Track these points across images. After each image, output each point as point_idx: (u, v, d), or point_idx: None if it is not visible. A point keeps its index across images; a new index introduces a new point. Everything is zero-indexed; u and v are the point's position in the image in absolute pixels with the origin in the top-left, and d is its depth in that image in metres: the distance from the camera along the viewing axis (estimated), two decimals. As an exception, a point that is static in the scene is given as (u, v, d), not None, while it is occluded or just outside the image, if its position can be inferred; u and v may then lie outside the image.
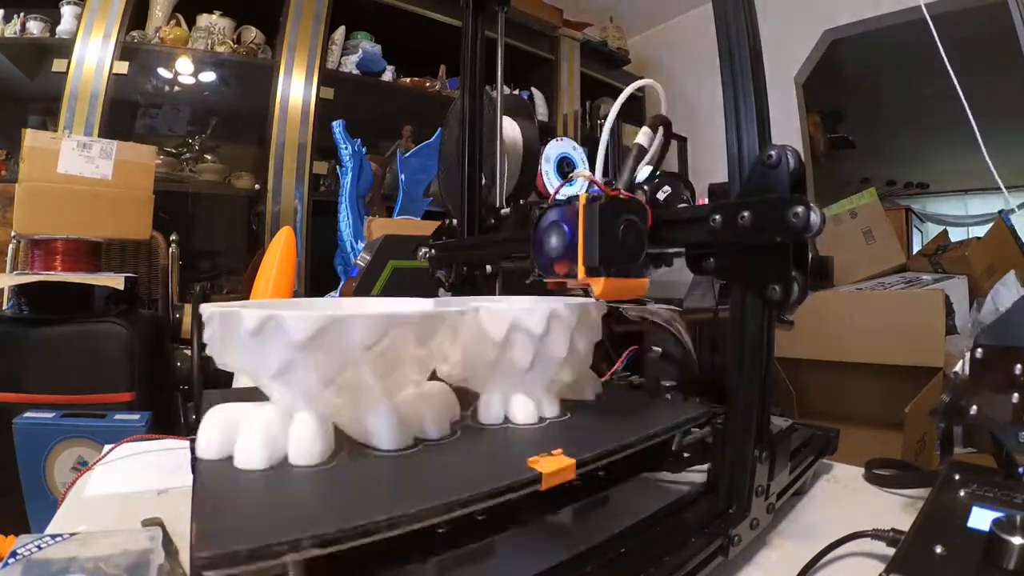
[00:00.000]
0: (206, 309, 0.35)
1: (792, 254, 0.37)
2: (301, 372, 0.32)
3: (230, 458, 0.32)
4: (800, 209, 0.35)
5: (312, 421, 0.32)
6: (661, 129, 0.61)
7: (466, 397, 0.43)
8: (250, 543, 0.22)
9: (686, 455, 0.43)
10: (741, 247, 0.40)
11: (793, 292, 0.37)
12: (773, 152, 0.37)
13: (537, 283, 0.50)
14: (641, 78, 0.66)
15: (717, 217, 0.39)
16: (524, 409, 0.41)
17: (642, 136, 0.56)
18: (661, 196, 0.51)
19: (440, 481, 0.31)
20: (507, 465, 0.33)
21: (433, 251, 0.69)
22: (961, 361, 0.49)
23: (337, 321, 0.32)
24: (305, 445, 0.32)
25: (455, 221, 0.69)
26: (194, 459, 0.33)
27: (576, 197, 0.41)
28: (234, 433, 0.33)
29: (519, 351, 0.41)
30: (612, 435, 0.38)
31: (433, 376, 0.41)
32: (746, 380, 0.41)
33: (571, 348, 0.42)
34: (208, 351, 0.35)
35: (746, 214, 0.38)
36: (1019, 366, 0.44)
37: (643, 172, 0.67)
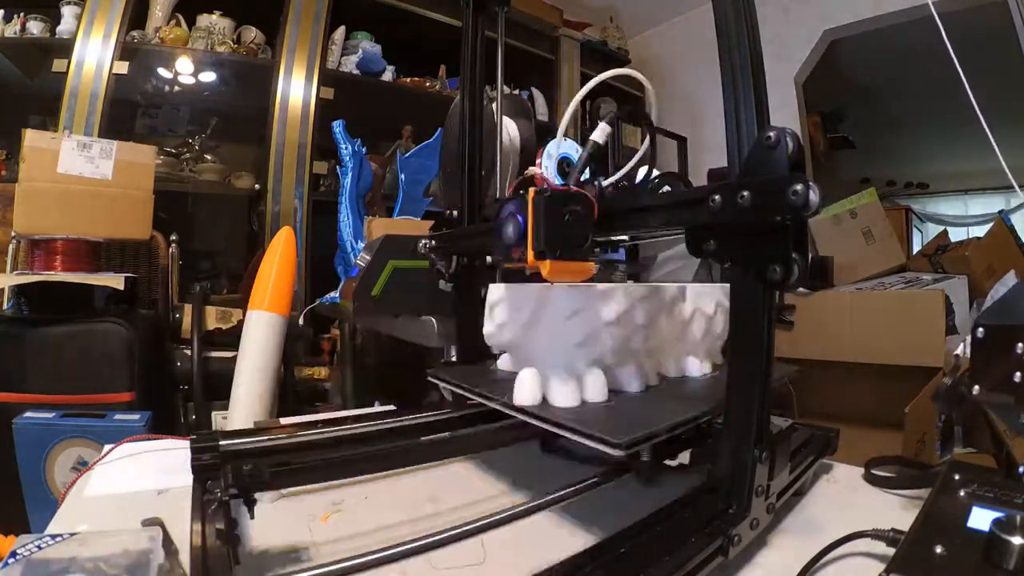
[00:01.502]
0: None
1: (792, 235, 0.37)
2: (605, 340, 0.51)
3: (542, 404, 0.49)
4: (799, 187, 0.35)
5: (601, 375, 0.51)
6: (648, 132, 0.63)
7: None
8: (635, 434, 0.40)
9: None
10: (741, 228, 0.40)
11: (793, 272, 0.37)
12: (772, 133, 0.37)
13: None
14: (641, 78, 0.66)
15: (716, 198, 0.39)
16: (697, 366, 0.62)
17: (599, 132, 0.59)
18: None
19: (680, 406, 0.49)
20: (712, 397, 0.51)
21: (433, 242, 0.69)
22: (962, 344, 0.49)
23: (631, 307, 0.52)
24: (599, 389, 0.51)
25: (455, 213, 0.70)
26: (517, 408, 0.48)
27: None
28: (541, 388, 0.49)
29: (696, 327, 0.61)
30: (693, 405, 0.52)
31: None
32: (746, 370, 0.41)
33: (723, 328, 0.63)
34: (494, 336, 0.56)
35: (746, 194, 0.38)
36: (1020, 345, 0.44)
37: (644, 173, 0.67)
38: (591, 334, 0.50)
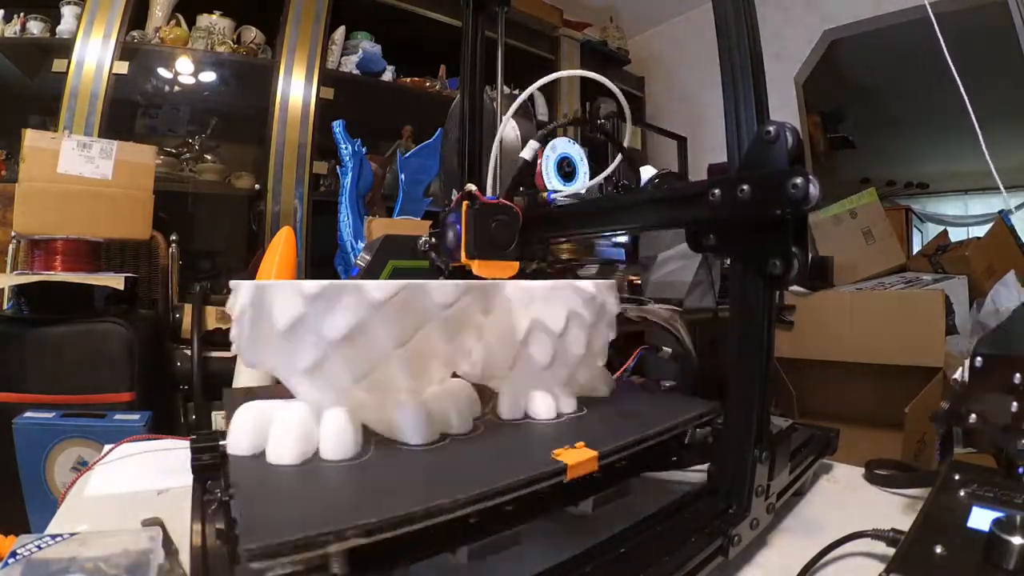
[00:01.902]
0: (233, 311, 0.38)
1: (792, 228, 0.37)
2: (335, 368, 0.34)
3: (260, 455, 0.33)
4: (799, 180, 0.35)
5: (343, 416, 0.34)
6: (629, 142, 0.65)
7: (484, 394, 0.45)
8: (295, 534, 0.23)
9: (697, 448, 0.46)
10: (741, 222, 0.40)
11: (793, 267, 0.37)
12: (771, 128, 0.37)
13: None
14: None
15: (716, 191, 0.39)
16: (544, 405, 0.43)
17: (528, 150, 0.62)
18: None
19: (469, 473, 0.32)
20: (532, 457, 0.34)
21: (433, 240, 0.69)
22: (961, 368, 0.49)
23: (365, 319, 0.33)
24: (337, 440, 0.33)
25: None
26: (221, 456, 0.35)
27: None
28: (264, 430, 0.34)
29: (538, 348, 0.43)
30: (628, 429, 0.40)
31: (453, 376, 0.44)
32: (746, 369, 0.41)
33: (588, 346, 0.45)
34: (235, 349, 0.37)
35: (745, 187, 0.38)
36: (1018, 375, 0.44)
37: (646, 172, 0.68)
38: (317, 359, 0.34)
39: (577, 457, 0.33)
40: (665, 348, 0.71)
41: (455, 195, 0.59)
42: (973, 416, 0.47)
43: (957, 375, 0.50)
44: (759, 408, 0.41)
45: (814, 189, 0.35)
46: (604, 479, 0.39)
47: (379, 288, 0.33)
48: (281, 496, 0.29)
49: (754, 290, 0.40)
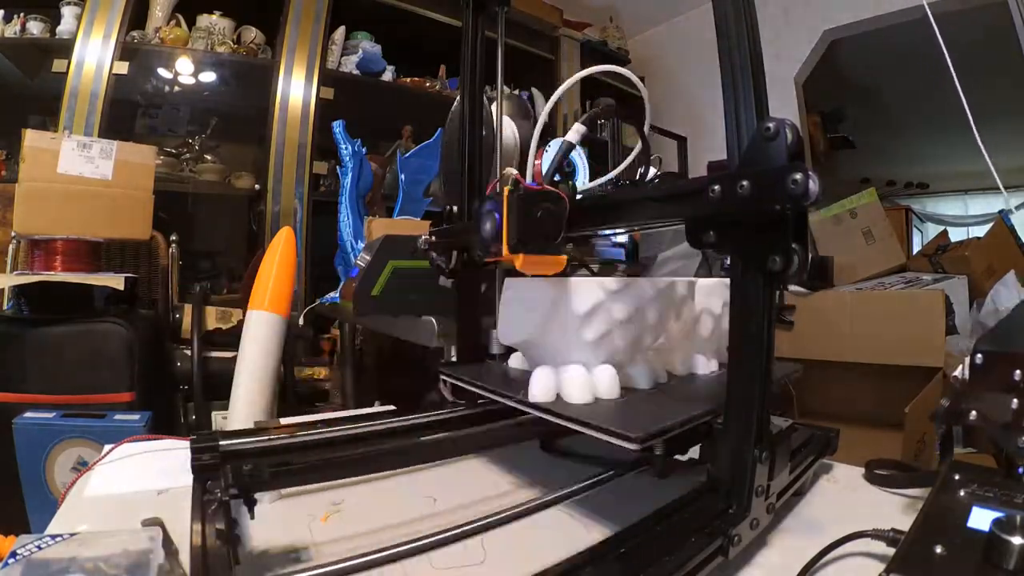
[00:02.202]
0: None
1: (792, 225, 0.37)
2: (617, 339, 0.52)
3: (556, 400, 0.49)
4: (799, 176, 0.35)
5: (613, 371, 0.51)
6: (649, 133, 0.63)
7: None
8: (655, 427, 0.41)
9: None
10: (740, 219, 0.40)
11: (793, 263, 0.37)
12: (771, 124, 0.37)
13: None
14: (642, 77, 0.66)
15: (716, 188, 0.39)
16: (704, 364, 0.63)
17: (573, 133, 0.61)
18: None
19: (690, 402, 0.50)
20: (715, 396, 0.48)
21: (433, 238, 0.69)
22: (961, 366, 0.49)
23: (643, 306, 0.53)
24: (612, 385, 0.51)
25: (455, 209, 0.70)
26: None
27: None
28: (555, 385, 0.50)
29: (704, 326, 0.62)
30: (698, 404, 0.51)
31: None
32: (746, 369, 0.41)
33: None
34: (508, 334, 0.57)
35: (745, 183, 0.38)
36: (1018, 372, 0.44)
37: (641, 172, 0.67)
38: (604, 333, 0.51)
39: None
40: None
41: (491, 180, 0.56)
42: (973, 413, 0.46)
43: (957, 372, 0.50)
44: (759, 408, 0.41)
45: (814, 185, 0.35)
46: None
47: (651, 284, 0.54)
48: (608, 417, 0.45)
49: (754, 287, 0.40)
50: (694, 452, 0.51)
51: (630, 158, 0.69)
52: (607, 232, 0.68)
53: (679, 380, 0.60)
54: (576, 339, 0.51)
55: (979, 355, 0.47)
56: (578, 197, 0.55)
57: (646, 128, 0.67)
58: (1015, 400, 0.44)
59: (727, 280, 0.51)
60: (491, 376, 0.60)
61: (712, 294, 0.62)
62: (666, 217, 0.47)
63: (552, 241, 0.50)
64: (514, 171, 0.52)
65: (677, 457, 0.52)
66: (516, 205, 0.47)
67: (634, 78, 0.66)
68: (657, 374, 0.57)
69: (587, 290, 0.50)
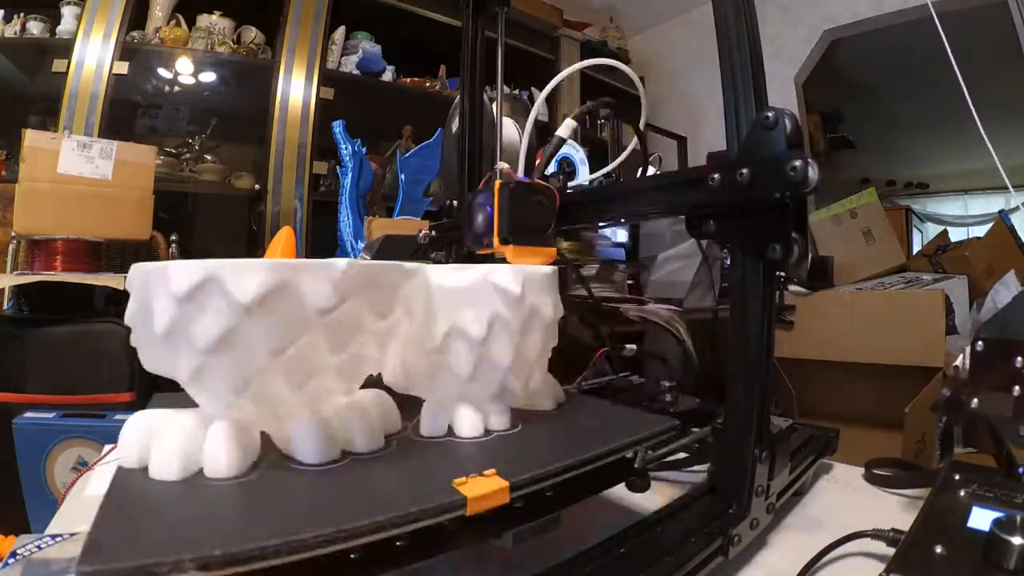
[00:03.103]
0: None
1: (792, 213, 0.37)
2: (213, 376, 0.31)
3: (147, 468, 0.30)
4: (798, 163, 0.35)
5: (226, 431, 0.30)
6: (644, 127, 0.63)
7: (418, 404, 0.40)
8: (133, 561, 0.21)
9: (650, 472, 0.39)
10: (740, 207, 0.40)
11: (793, 252, 0.37)
12: (770, 114, 0.37)
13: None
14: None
15: (716, 176, 0.39)
16: (468, 422, 0.38)
17: (564, 128, 0.60)
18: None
19: (359, 502, 0.28)
20: (435, 486, 0.29)
21: (433, 232, 0.70)
22: (961, 355, 0.49)
23: (236, 323, 0.29)
24: (218, 457, 0.29)
25: (455, 203, 0.70)
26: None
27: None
28: (151, 441, 0.31)
29: (457, 357, 0.38)
30: (563, 452, 0.35)
31: (378, 383, 0.39)
32: (746, 368, 0.41)
33: (518, 354, 0.39)
34: (139, 355, 0.34)
35: (744, 171, 0.38)
36: (1020, 359, 0.44)
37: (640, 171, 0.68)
38: (196, 367, 0.31)
39: (483, 488, 0.29)
40: (630, 347, 0.68)
41: (486, 174, 0.56)
42: (975, 401, 0.46)
43: (958, 362, 0.50)
44: (759, 408, 0.41)
45: (813, 172, 0.35)
46: (527, 511, 0.32)
47: (246, 290, 0.29)
48: (143, 515, 0.26)
49: (754, 276, 0.40)
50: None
51: (625, 153, 0.69)
52: (605, 224, 0.67)
53: (401, 449, 0.36)
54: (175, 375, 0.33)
55: (980, 342, 0.47)
56: (568, 191, 0.55)
57: (641, 124, 0.68)
58: (1017, 387, 0.44)
59: (493, 273, 0.39)
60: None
61: (464, 306, 0.38)
62: (667, 207, 0.47)
63: (542, 233, 0.50)
64: (506, 165, 0.52)
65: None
66: (507, 198, 0.48)
67: (628, 71, 0.67)
68: (336, 439, 0.33)
69: (160, 301, 0.31)
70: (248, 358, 0.30)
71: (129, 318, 0.35)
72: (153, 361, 0.33)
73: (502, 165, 0.51)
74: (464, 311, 0.38)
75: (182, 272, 0.29)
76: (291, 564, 0.23)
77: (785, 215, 0.37)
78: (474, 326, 0.38)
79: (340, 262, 0.32)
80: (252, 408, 0.32)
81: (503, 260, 0.49)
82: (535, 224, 0.50)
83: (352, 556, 0.25)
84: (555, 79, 0.65)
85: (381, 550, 0.26)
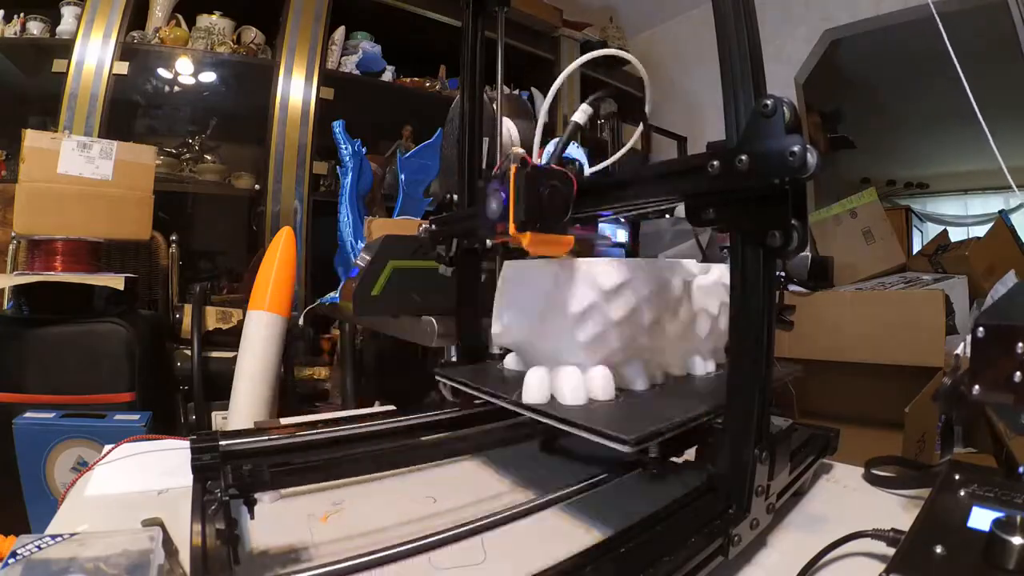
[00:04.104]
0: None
1: (792, 200, 0.37)
2: (612, 340, 0.51)
3: (550, 402, 0.49)
4: (797, 148, 0.35)
5: (607, 372, 0.50)
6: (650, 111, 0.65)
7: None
8: (645, 431, 0.40)
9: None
10: (740, 194, 0.40)
11: (793, 239, 0.37)
12: (768, 101, 0.37)
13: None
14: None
15: (715, 163, 0.39)
16: (701, 365, 0.61)
17: (579, 114, 0.59)
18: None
19: (686, 403, 0.48)
20: (718, 394, 0.48)
21: (433, 226, 0.69)
22: (962, 344, 0.49)
23: (638, 307, 0.51)
24: (606, 387, 0.50)
25: (455, 197, 0.70)
26: (524, 406, 0.48)
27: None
28: (549, 386, 0.50)
29: (701, 326, 0.61)
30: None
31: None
32: (746, 368, 0.41)
33: (726, 327, 0.58)
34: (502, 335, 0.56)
35: (744, 158, 0.38)
36: (1021, 345, 0.43)
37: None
38: (599, 334, 0.50)
39: None
40: None
41: (499, 161, 0.55)
42: (976, 389, 0.46)
43: (959, 350, 0.49)
44: (759, 408, 0.41)
45: (812, 158, 0.35)
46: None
47: (647, 283, 0.51)
48: (600, 418, 0.44)
49: (754, 264, 0.40)
50: (691, 453, 0.51)
51: (627, 146, 0.69)
52: (608, 213, 0.66)
53: (676, 381, 0.59)
54: (570, 340, 0.50)
55: (980, 329, 0.46)
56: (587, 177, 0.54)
57: (647, 110, 0.68)
58: (1018, 374, 0.43)
59: (725, 279, 0.58)
60: (486, 377, 0.60)
61: (710, 294, 0.61)
62: (666, 195, 0.47)
63: (559, 220, 0.49)
64: (521, 150, 0.51)
65: (674, 459, 0.52)
66: (524, 182, 0.46)
67: (634, 60, 0.66)
68: (653, 375, 0.56)
69: (581, 291, 0.50)
70: (637, 327, 0.52)
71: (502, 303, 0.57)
72: (554, 337, 0.53)
73: (516, 150, 0.50)
74: (708, 299, 0.61)
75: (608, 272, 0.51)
76: (684, 432, 0.43)
77: (784, 202, 0.37)
78: (713, 308, 0.61)
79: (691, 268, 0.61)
80: (619, 359, 0.52)
81: (516, 251, 0.51)
82: (552, 211, 0.48)
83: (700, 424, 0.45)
84: (563, 75, 0.64)
85: (705, 426, 0.45)
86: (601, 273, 0.50)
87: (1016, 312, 0.47)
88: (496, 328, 0.58)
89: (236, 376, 0.95)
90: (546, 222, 0.48)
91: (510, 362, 0.62)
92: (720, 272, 0.62)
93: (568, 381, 0.49)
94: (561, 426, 0.45)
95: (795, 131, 0.36)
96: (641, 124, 0.68)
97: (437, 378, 0.63)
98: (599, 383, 0.50)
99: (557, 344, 0.52)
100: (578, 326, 0.50)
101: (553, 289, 0.51)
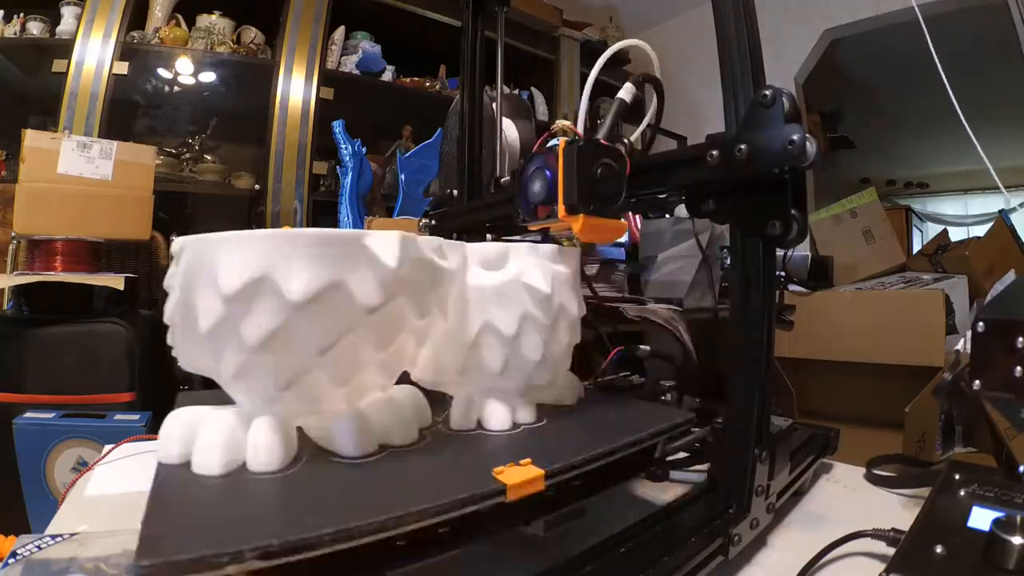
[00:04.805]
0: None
1: (791, 189, 0.37)
2: (258, 373, 0.31)
3: (189, 463, 0.31)
4: (796, 137, 0.35)
5: (270, 426, 0.31)
6: (655, 94, 0.59)
7: (443, 400, 0.42)
8: (192, 553, 0.22)
9: (669, 462, 0.42)
10: (739, 184, 0.39)
11: (793, 229, 0.37)
12: (768, 91, 0.37)
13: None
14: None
15: (715, 152, 0.39)
16: (497, 415, 0.40)
17: (624, 92, 0.55)
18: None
19: (400, 491, 0.29)
20: (473, 475, 0.31)
21: (432, 222, 0.69)
22: (963, 340, 0.49)
23: (285, 321, 0.30)
24: (262, 451, 0.30)
25: (455, 192, 0.70)
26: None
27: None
28: (194, 437, 0.31)
29: (490, 354, 0.40)
30: (589, 443, 0.36)
31: (405, 379, 0.40)
32: (746, 366, 0.41)
33: (546, 351, 0.41)
34: (174, 352, 0.36)
35: (743, 147, 0.38)
36: (1021, 339, 0.43)
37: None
38: (241, 365, 0.32)
39: (521, 476, 0.30)
40: (643, 347, 0.67)
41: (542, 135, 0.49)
42: (976, 383, 0.46)
43: (959, 346, 0.49)
44: (759, 408, 0.41)
45: (811, 146, 0.35)
46: (557, 499, 0.35)
47: (299, 290, 0.30)
48: (193, 510, 0.28)
49: (754, 254, 0.40)
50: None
51: (645, 122, 0.65)
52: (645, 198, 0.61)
53: (435, 443, 0.37)
54: (217, 373, 0.34)
55: (980, 323, 0.46)
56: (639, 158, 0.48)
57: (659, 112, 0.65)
58: (1018, 368, 0.43)
59: (525, 273, 0.41)
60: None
61: (496, 303, 0.40)
62: (665, 186, 0.47)
63: (612, 204, 0.42)
64: (567, 122, 0.47)
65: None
66: (575, 159, 0.40)
67: (648, 49, 0.64)
68: (377, 433, 0.35)
69: (205, 300, 0.31)
70: (295, 354, 0.31)
71: (168, 316, 0.35)
72: (194, 361, 0.35)
73: (563, 123, 0.46)
74: (496, 310, 0.40)
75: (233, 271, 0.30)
76: (343, 551, 0.24)
77: (784, 191, 0.37)
78: (506, 325, 0.39)
79: (390, 259, 0.33)
80: (298, 404, 0.33)
81: (550, 238, 0.45)
82: (606, 192, 0.41)
83: (399, 543, 0.27)
84: (601, 60, 0.60)
85: (426, 537, 0.28)
86: (224, 265, 0.30)
87: (1016, 307, 0.47)
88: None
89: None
90: (600, 204, 0.41)
91: None
92: (520, 267, 0.41)
93: (207, 434, 0.32)
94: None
95: (794, 121, 0.36)
96: (655, 98, 0.63)
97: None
98: (256, 446, 0.31)
99: (215, 377, 0.34)
100: (217, 354, 0.32)
101: (183, 288, 0.33)
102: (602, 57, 0.57)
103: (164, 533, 0.24)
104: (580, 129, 0.50)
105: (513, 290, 0.40)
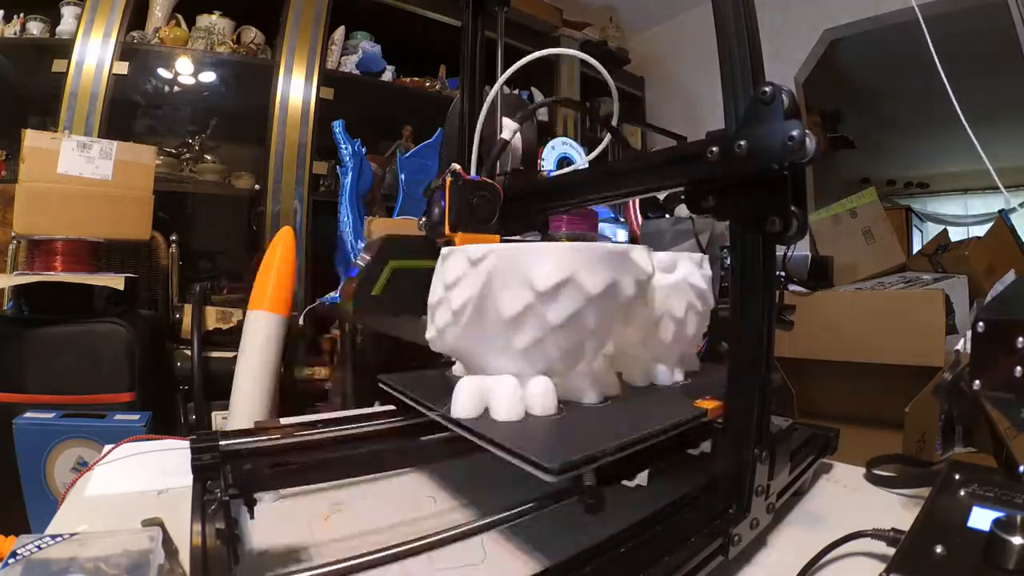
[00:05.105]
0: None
1: (791, 186, 0.37)
2: (548, 345, 0.44)
3: (482, 416, 0.43)
4: (796, 132, 0.35)
5: (546, 383, 0.44)
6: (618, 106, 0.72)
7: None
8: (575, 455, 0.33)
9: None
10: (739, 181, 0.39)
11: (792, 225, 0.37)
12: (767, 88, 0.37)
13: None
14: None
15: (715, 149, 0.39)
16: (664, 374, 0.57)
17: (506, 131, 0.66)
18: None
19: (644, 418, 0.44)
20: (682, 406, 0.47)
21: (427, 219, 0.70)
22: (963, 340, 0.49)
23: (582, 308, 0.43)
24: (545, 400, 0.44)
25: None
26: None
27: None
28: (483, 398, 0.44)
29: (665, 331, 0.56)
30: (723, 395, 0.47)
31: None
32: (746, 366, 0.41)
33: (696, 330, 0.58)
34: (428, 335, 0.50)
35: (743, 143, 0.38)
36: (1021, 339, 0.43)
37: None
38: (537, 339, 0.43)
39: (711, 404, 0.46)
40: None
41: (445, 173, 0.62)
42: (977, 383, 0.45)
43: (959, 345, 0.49)
44: (759, 408, 0.41)
45: (811, 143, 0.35)
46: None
47: (592, 283, 0.43)
48: (530, 438, 0.40)
49: (754, 251, 0.40)
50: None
51: (601, 147, 0.79)
52: (597, 202, 0.76)
53: (634, 393, 0.53)
54: (505, 347, 0.44)
55: (980, 323, 0.46)
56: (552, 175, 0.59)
57: (615, 115, 0.77)
58: (1018, 368, 0.43)
59: (693, 277, 0.56)
60: (427, 386, 0.54)
61: (675, 294, 0.56)
62: (664, 183, 0.47)
63: (486, 223, 0.61)
64: (457, 166, 0.62)
65: (626, 482, 0.48)
66: (455, 193, 0.59)
67: (595, 63, 0.72)
68: (605, 386, 0.49)
69: (513, 294, 0.43)
70: (582, 331, 0.44)
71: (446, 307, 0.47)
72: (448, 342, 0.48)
73: (454, 166, 0.61)
74: (672, 300, 0.56)
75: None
76: (633, 453, 0.37)
77: (783, 188, 0.37)
78: (679, 310, 0.56)
79: (647, 266, 0.48)
80: (563, 368, 0.46)
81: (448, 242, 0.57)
82: (480, 215, 0.61)
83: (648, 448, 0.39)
84: (508, 72, 0.66)
85: (658, 446, 0.41)
86: (537, 270, 0.42)
87: (1016, 307, 0.47)
88: (430, 332, 0.51)
89: (236, 376, 0.95)
90: (476, 224, 0.60)
91: (457, 369, 0.56)
92: (687, 270, 0.57)
93: (502, 393, 0.43)
94: (485, 445, 0.39)
95: (794, 117, 0.36)
96: (608, 134, 0.76)
97: (380, 385, 0.59)
98: (537, 396, 0.43)
99: (492, 350, 0.46)
100: (511, 331, 0.43)
101: (484, 286, 0.44)
102: (508, 70, 0.66)
103: (538, 449, 0.35)
104: (473, 168, 0.66)
105: (682, 287, 0.56)
